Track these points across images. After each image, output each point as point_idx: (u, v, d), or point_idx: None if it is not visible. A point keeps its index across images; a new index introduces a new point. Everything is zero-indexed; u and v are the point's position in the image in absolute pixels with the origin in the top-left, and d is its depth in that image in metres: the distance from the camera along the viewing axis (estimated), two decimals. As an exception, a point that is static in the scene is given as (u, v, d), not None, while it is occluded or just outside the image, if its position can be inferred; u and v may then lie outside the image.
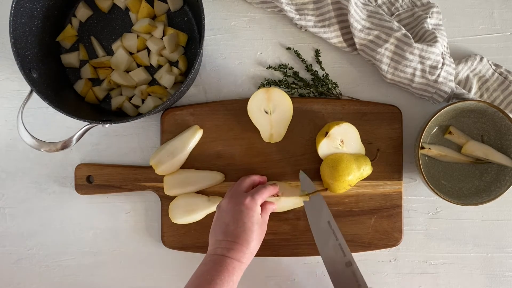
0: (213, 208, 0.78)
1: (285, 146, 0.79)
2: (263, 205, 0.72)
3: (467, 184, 0.78)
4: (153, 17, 0.81)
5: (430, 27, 0.77)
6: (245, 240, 0.66)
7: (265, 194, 0.71)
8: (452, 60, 0.77)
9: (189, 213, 0.77)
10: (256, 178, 0.75)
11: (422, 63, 0.75)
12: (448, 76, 0.76)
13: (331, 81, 0.81)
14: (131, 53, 0.80)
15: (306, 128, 0.79)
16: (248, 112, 0.77)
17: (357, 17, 0.76)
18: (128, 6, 0.80)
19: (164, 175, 0.79)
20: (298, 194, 0.76)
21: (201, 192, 0.79)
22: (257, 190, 0.71)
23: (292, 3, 0.78)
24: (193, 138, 0.78)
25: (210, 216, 0.79)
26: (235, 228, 0.66)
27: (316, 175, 0.79)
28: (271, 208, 0.74)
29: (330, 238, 0.71)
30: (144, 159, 0.82)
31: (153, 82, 0.81)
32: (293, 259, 0.82)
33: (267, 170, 0.79)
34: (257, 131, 0.78)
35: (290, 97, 0.77)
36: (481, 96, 0.80)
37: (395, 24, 0.76)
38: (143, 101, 0.80)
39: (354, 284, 0.67)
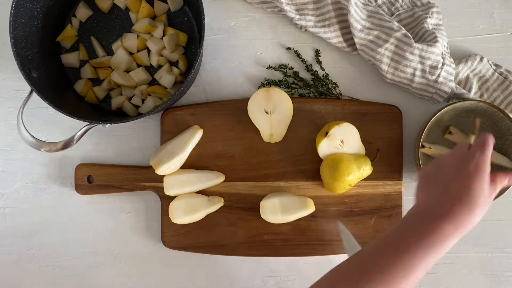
0: (213, 208, 0.78)
1: (285, 146, 0.79)
2: (493, 177, 0.57)
3: (467, 184, 0.78)
4: (153, 17, 0.81)
5: (430, 27, 0.77)
6: (473, 202, 0.53)
7: (491, 149, 0.57)
8: (452, 60, 0.77)
9: (189, 213, 0.77)
10: None
11: (422, 63, 0.75)
12: (448, 76, 0.76)
13: (331, 81, 0.81)
14: (131, 53, 0.80)
15: (306, 128, 0.79)
16: (248, 112, 0.77)
17: (357, 17, 0.76)
18: (128, 6, 0.80)
19: (164, 175, 0.79)
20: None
21: (201, 192, 0.79)
22: (483, 144, 0.56)
23: (292, 3, 0.78)
24: (193, 138, 0.78)
25: (210, 216, 0.79)
26: (458, 186, 0.54)
27: (316, 175, 0.79)
28: (502, 183, 0.57)
29: None
30: (144, 159, 0.82)
31: (153, 82, 0.81)
32: (293, 259, 0.82)
33: (267, 170, 0.79)
34: (257, 131, 0.78)
35: (290, 97, 0.77)
36: (481, 96, 0.80)
37: (395, 24, 0.76)
38: (143, 101, 0.80)
39: None
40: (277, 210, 0.76)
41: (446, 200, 0.54)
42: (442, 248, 0.52)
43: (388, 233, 0.54)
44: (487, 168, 0.55)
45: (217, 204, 0.78)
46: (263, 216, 0.77)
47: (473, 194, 0.54)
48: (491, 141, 0.57)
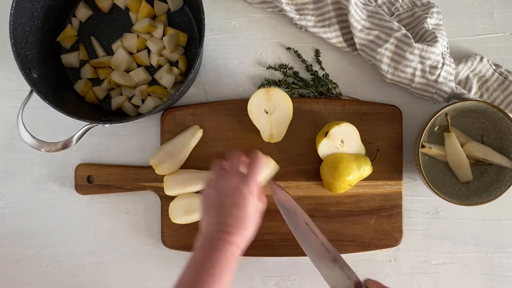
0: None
1: (285, 146, 0.79)
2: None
3: (467, 184, 0.78)
4: (153, 17, 0.81)
5: (430, 27, 0.77)
6: (246, 224, 0.64)
7: (260, 173, 0.68)
8: (452, 60, 0.77)
9: (189, 213, 0.77)
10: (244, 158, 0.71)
11: (422, 63, 0.75)
12: (448, 76, 0.76)
13: (331, 81, 0.81)
14: (131, 53, 0.80)
15: (306, 128, 0.79)
16: (248, 112, 0.77)
17: (357, 17, 0.76)
18: (128, 6, 0.80)
19: (164, 175, 0.79)
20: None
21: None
22: (256, 171, 0.67)
23: (292, 3, 0.78)
24: (193, 138, 0.78)
25: (210, 216, 0.79)
26: (237, 212, 0.64)
27: (316, 175, 0.79)
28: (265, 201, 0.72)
29: (311, 238, 0.70)
30: (144, 159, 0.82)
31: (153, 82, 0.81)
32: (293, 259, 0.82)
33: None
34: (257, 131, 0.78)
35: (290, 97, 0.77)
36: (481, 96, 0.80)
37: (395, 24, 0.76)
38: (143, 101, 0.80)
39: (345, 279, 0.67)
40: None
41: (229, 225, 0.64)
42: (232, 261, 0.62)
43: (196, 254, 0.63)
44: (258, 190, 0.67)
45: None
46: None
47: (248, 217, 0.65)
48: (262, 165, 0.68)
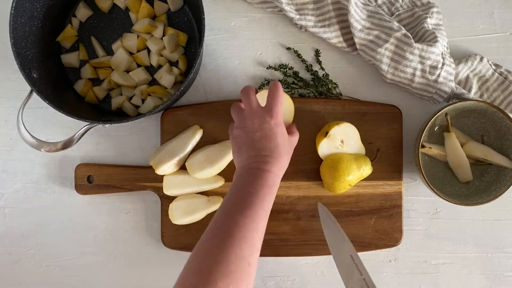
0: (213, 208, 0.78)
1: (285, 146, 0.79)
2: (290, 128, 0.71)
3: (467, 184, 0.78)
4: (153, 17, 0.81)
5: (430, 27, 0.77)
6: (279, 154, 0.65)
7: (281, 103, 0.67)
8: (452, 60, 0.77)
9: (189, 214, 0.77)
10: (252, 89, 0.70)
11: (422, 63, 0.75)
12: (448, 76, 0.76)
13: (331, 81, 0.81)
14: (131, 53, 0.80)
15: (306, 128, 0.79)
16: (248, 112, 0.77)
17: (357, 17, 0.76)
18: (128, 6, 0.80)
19: (164, 175, 0.79)
20: None
21: (201, 192, 0.79)
22: (277, 102, 0.66)
23: (292, 3, 0.78)
24: (193, 138, 0.78)
25: (210, 216, 0.78)
26: (268, 143, 0.64)
27: (316, 175, 0.79)
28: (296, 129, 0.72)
29: (354, 272, 0.69)
30: (144, 159, 0.82)
31: (153, 82, 0.81)
32: (293, 259, 0.82)
33: (267, 170, 0.79)
34: (257, 131, 0.78)
35: (290, 97, 0.77)
36: (481, 96, 0.80)
37: (395, 24, 0.76)
38: (143, 101, 0.80)
39: None
40: (204, 164, 0.76)
41: (262, 155, 0.64)
42: (273, 188, 0.63)
43: (236, 183, 0.63)
44: (282, 122, 0.67)
45: (217, 204, 0.78)
46: (192, 174, 0.77)
47: (279, 145, 0.65)
48: (281, 92, 0.67)
